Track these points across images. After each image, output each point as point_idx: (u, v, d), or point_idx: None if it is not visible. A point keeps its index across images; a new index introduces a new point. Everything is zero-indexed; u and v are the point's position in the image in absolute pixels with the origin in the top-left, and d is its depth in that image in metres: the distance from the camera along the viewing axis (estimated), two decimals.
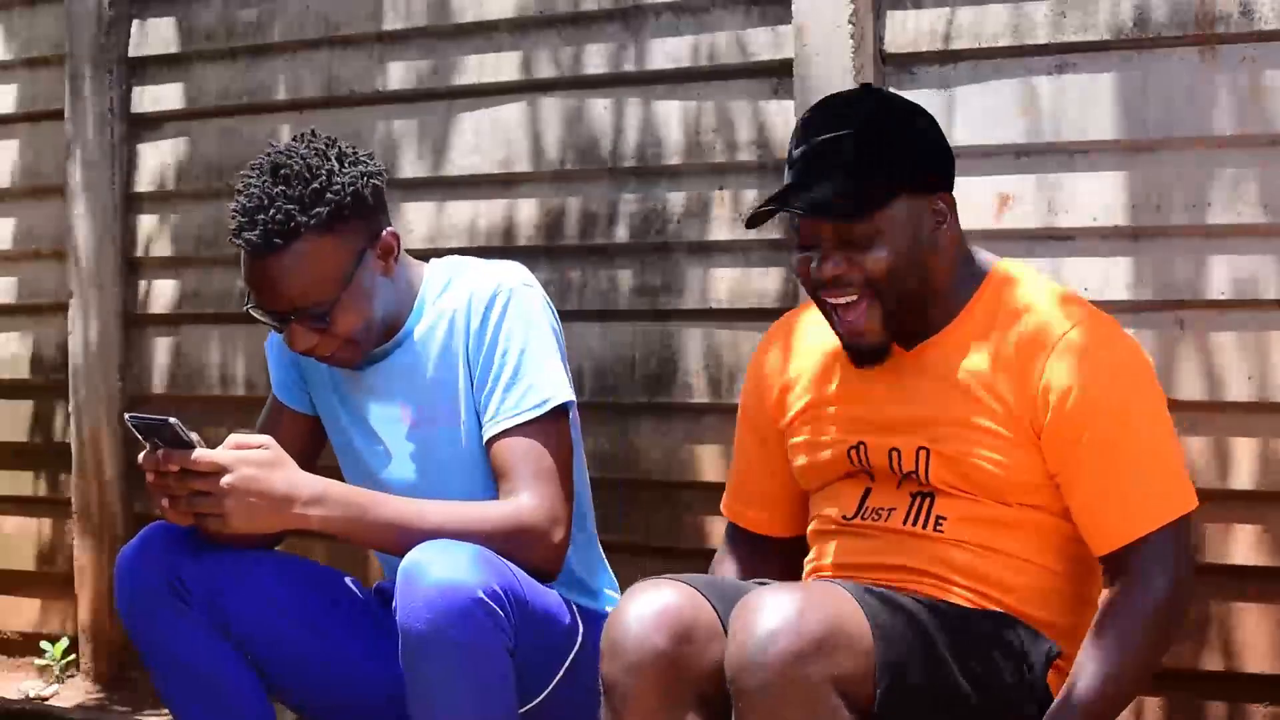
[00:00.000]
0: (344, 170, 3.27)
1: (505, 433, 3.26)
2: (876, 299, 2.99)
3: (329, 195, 3.24)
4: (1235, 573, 3.64)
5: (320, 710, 3.44)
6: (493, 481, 3.28)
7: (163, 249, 4.99)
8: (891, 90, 3.51)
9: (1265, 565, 3.62)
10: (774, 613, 2.75)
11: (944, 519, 3.02)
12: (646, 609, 2.87)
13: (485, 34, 4.44)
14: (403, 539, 3.17)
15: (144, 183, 5.01)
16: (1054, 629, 3.02)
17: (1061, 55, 3.72)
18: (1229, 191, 3.58)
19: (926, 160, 3.03)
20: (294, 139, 3.34)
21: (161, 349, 5.00)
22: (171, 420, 3.10)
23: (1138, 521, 2.93)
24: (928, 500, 3.03)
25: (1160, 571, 2.91)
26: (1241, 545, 3.62)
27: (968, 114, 3.82)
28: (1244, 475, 3.61)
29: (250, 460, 3.15)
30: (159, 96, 4.98)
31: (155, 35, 4.98)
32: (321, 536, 3.34)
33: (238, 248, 3.29)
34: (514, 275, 3.34)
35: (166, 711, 4.83)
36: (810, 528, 3.19)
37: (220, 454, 3.14)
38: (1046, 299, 3.03)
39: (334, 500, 3.19)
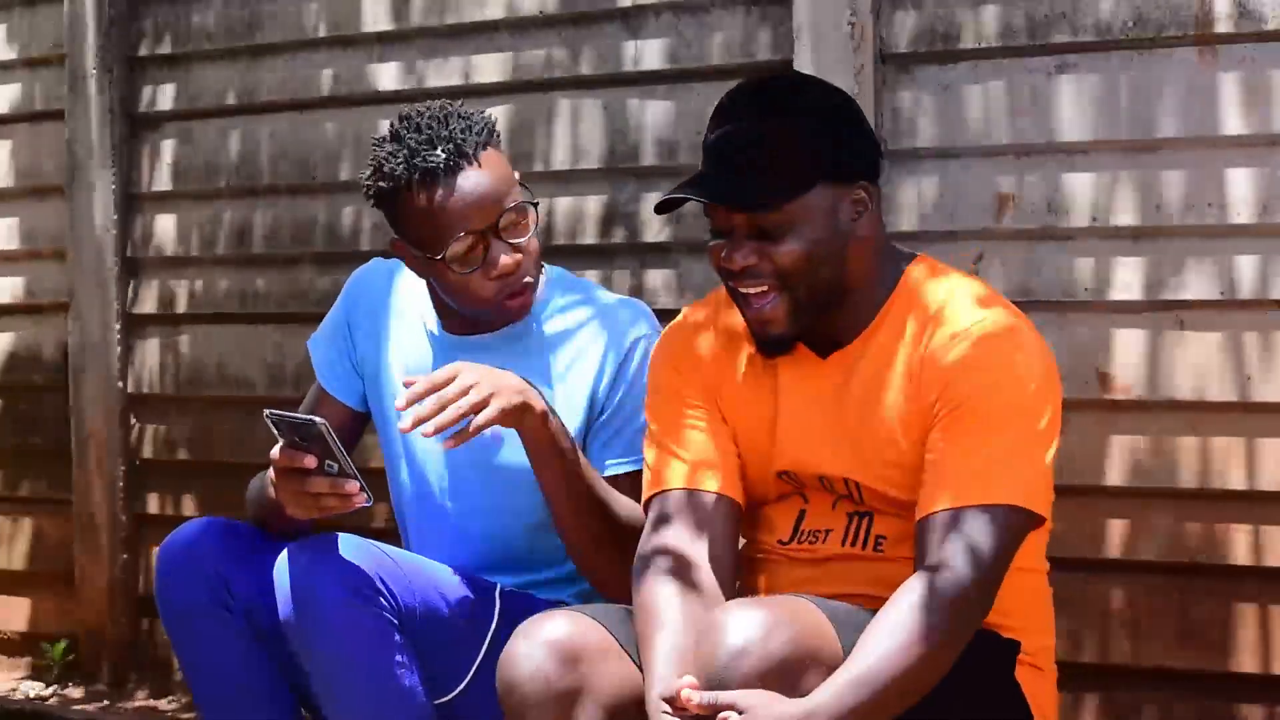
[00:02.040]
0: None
1: (635, 473, 3.26)
2: (785, 291, 2.89)
3: (480, 122, 3.26)
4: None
5: None
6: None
7: (163, 249, 4.99)
8: (810, 75, 3.45)
9: None
10: (740, 631, 2.69)
11: (884, 538, 2.94)
12: (535, 639, 2.86)
13: (485, 34, 4.44)
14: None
15: (144, 183, 5.01)
16: (1005, 628, 2.93)
17: (1061, 55, 3.73)
18: (1229, 192, 3.58)
19: (845, 148, 2.91)
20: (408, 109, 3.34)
21: (161, 349, 5.00)
22: (319, 421, 3.01)
23: (963, 490, 2.79)
24: (866, 520, 2.96)
25: (968, 559, 2.76)
26: None
27: (968, 114, 3.82)
28: None
29: None
30: (159, 96, 4.98)
31: (155, 35, 4.98)
32: None
33: (424, 178, 3.20)
34: (650, 319, 3.38)
35: (166, 711, 4.85)
36: (742, 552, 3.08)
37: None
38: (962, 300, 2.91)
39: None
